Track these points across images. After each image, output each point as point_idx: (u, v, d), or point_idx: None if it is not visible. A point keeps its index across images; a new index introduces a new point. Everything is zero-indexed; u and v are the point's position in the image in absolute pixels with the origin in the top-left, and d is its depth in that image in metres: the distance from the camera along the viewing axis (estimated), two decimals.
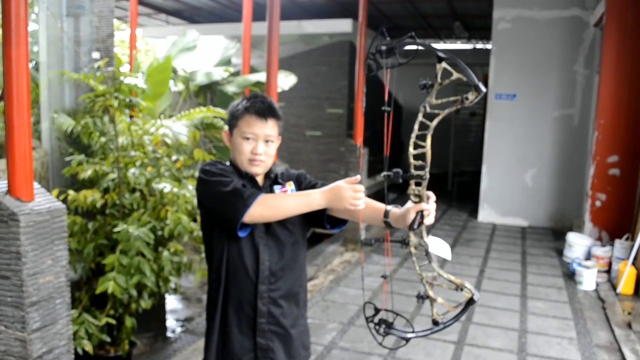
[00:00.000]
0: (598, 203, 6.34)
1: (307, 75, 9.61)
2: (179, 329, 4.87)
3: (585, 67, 7.65)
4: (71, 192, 3.59)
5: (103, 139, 3.79)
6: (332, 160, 9.64)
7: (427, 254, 1.69)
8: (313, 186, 1.97)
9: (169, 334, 4.69)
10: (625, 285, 5.06)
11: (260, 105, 1.87)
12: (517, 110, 8.05)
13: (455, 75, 1.52)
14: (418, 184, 1.66)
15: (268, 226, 1.87)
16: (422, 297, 1.70)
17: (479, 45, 11.76)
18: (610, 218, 6.25)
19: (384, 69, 1.60)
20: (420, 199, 1.67)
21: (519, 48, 7.95)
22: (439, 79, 1.52)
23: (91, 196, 3.56)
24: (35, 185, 2.20)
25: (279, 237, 1.89)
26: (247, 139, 1.86)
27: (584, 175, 7.50)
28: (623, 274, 5.06)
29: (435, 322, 1.72)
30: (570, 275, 5.69)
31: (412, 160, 1.63)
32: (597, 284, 5.36)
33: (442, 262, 6.08)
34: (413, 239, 1.69)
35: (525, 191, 8.16)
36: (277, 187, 1.95)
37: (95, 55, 4.32)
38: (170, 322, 5.08)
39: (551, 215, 8.06)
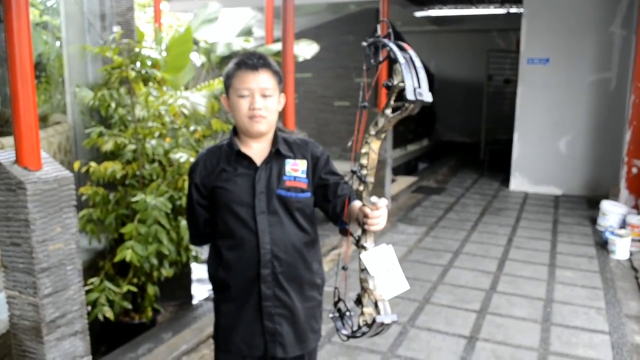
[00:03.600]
0: (634, 170, 6.10)
1: (334, 45, 9.47)
2: (204, 297, 4.97)
3: (623, 28, 7.28)
4: (92, 164, 3.66)
5: (122, 111, 3.83)
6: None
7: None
8: (332, 175, 1.87)
9: (194, 301, 4.79)
10: None
11: (250, 59, 1.78)
12: (550, 75, 7.76)
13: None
14: (360, 182, 1.54)
15: (270, 206, 1.81)
16: (357, 301, 1.62)
17: (513, 10, 11.34)
18: None
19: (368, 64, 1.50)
20: (361, 198, 1.57)
21: (551, 10, 7.61)
22: (395, 82, 1.37)
23: (111, 167, 3.62)
24: (43, 154, 2.24)
25: (282, 220, 1.81)
26: (243, 96, 1.77)
27: (620, 142, 7.22)
28: None
29: (363, 326, 1.61)
30: (603, 245, 5.52)
31: (361, 159, 1.52)
32: (631, 253, 5.19)
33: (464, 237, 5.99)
34: (362, 238, 1.61)
35: (559, 159, 7.92)
36: (288, 162, 1.84)
37: (116, 29, 4.35)
38: (198, 290, 5.17)
39: (586, 183, 7.81)
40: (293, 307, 1.86)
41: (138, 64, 3.80)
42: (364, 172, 1.51)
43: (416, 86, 1.33)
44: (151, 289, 3.63)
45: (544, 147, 7.98)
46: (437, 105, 12.12)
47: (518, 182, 8.19)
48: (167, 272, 3.67)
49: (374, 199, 1.56)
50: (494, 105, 11.11)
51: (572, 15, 7.51)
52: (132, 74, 3.68)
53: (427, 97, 1.33)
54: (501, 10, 11.44)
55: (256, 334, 1.86)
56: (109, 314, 3.20)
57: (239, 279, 1.84)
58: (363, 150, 1.50)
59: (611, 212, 5.93)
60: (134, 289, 3.48)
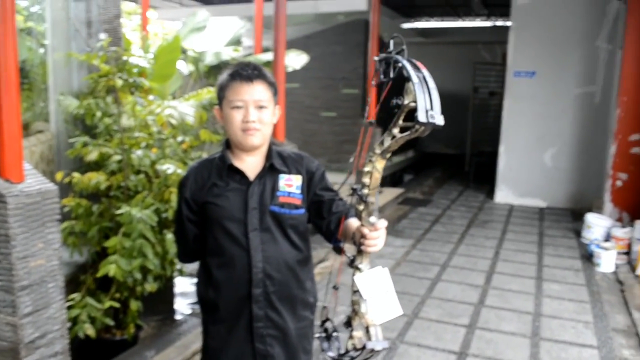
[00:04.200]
0: (619, 183, 6.15)
1: (322, 55, 9.47)
2: (188, 312, 4.86)
3: (608, 43, 7.37)
4: (75, 175, 3.56)
5: (108, 120, 3.74)
6: (348, 142, 9.52)
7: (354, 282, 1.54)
8: (327, 191, 1.82)
9: (177, 316, 4.68)
10: None
11: (245, 69, 1.72)
12: (536, 88, 7.82)
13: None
14: (361, 202, 1.49)
15: (262, 223, 1.74)
16: (347, 323, 1.57)
17: (499, 23, 11.45)
18: (631, 198, 6.07)
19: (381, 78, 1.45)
20: (360, 218, 1.52)
21: (539, 23, 7.69)
22: (405, 101, 1.33)
23: (95, 178, 3.53)
24: (27, 166, 2.16)
25: (275, 237, 1.75)
26: (237, 107, 1.71)
27: (604, 154, 7.28)
28: None
29: (351, 350, 1.56)
30: (588, 257, 5.54)
31: (363, 177, 1.47)
32: (616, 266, 5.21)
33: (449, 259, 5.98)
34: (358, 259, 1.56)
35: (544, 171, 7.97)
36: (282, 177, 1.78)
37: (103, 36, 4.27)
38: (181, 304, 5.07)
39: (570, 196, 7.86)
40: (285, 327, 1.79)
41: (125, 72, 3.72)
42: (365, 191, 1.47)
43: (428, 108, 1.28)
44: (134, 305, 3.52)
45: (529, 159, 8.02)
46: None
47: (503, 194, 8.22)
48: (151, 286, 3.56)
49: (373, 219, 1.51)
50: (479, 117, 11.18)
51: (559, 29, 7.58)
52: (119, 82, 3.60)
53: (439, 119, 1.29)
54: (487, 23, 11.58)
55: (246, 356, 1.79)
56: (90, 332, 3.09)
57: (229, 299, 1.77)
58: (366, 169, 1.45)
59: (596, 225, 5.96)
60: (116, 304, 3.37)
